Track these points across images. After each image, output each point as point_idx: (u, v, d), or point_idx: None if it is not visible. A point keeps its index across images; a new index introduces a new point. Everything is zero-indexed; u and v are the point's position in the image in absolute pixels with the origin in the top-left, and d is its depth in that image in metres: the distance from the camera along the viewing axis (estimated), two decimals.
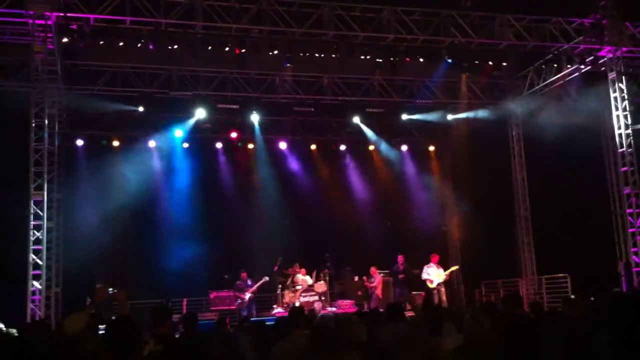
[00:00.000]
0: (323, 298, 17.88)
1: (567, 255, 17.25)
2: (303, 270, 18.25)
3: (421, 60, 16.54)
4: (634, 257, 16.25)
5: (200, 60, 16.39)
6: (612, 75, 16.83)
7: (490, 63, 16.98)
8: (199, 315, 10.06)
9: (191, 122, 19.77)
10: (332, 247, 19.08)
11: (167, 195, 19.59)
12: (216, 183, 20.82)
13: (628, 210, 16.55)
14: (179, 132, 20.06)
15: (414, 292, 18.26)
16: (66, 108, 17.61)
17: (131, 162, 19.68)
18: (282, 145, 21.73)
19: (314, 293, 17.79)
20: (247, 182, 21.06)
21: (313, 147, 22.05)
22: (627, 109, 16.62)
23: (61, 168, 17.85)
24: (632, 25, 16.69)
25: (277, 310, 17.47)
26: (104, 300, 16.09)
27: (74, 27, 13.93)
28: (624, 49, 16.67)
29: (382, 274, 18.98)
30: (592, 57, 16.85)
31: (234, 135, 20.79)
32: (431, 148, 23.47)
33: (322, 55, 15.82)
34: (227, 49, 15.17)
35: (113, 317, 6.25)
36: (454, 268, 19.66)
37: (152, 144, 20.28)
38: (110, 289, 16.24)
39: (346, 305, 17.99)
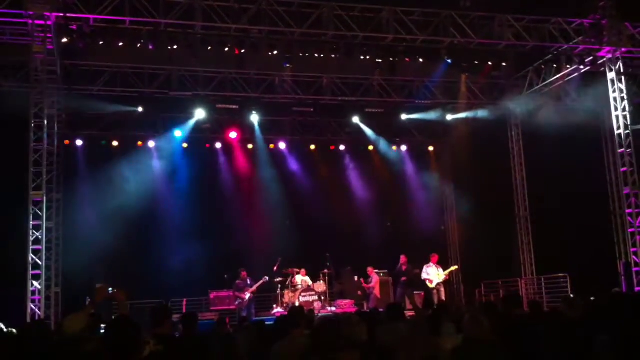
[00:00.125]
0: (323, 298, 17.88)
1: (566, 255, 17.26)
2: (303, 270, 18.25)
3: (421, 60, 16.54)
4: (633, 257, 16.26)
5: (199, 61, 16.39)
6: (611, 76, 16.84)
7: (490, 63, 16.96)
8: (199, 315, 10.06)
9: (191, 122, 19.78)
10: (332, 247, 19.08)
11: (167, 195, 19.57)
12: (215, 183, 20.83)
13: (627, 211, 16.56)
14: (178, 133, 20.06)
15: (415, 292, 18.23)
16: (65, 108, 17.61)
17: (131, 163, 19.68)
18: (282, 146, 21.74)
19: (313, 293, 17.78)
20: (247, 182, 21.07)
21: (312, 147, 22.06)
22: (627, 109, 16.63)
23: (60, 168, 17.82)
24: (631, 25, 16.69)
25: (277, 310, 17.47)
26: (103, 300, 16.06)
27: (74, 27, 13.92)
28: (624, 49, 16.67)
29: (382, 274, 19.00)
30: (591, 58, 16.85)
31: (233, 135, 20.78)
32: (430, 148, 23.50)
33: (322, 56, 15.81)
34: (226, 49, 15.16)
35: (113, 317, 6.25)
36: (453, 268, 19.69)
37: (151, 144, 20.30)
38: (110, 289, 16.21)
39: (346, 305, 17.99)
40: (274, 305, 18.15)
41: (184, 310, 16.90)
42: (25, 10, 13.41)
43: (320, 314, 15.50)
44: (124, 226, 17.97)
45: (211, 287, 18.33)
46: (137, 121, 19.72)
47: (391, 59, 16.27)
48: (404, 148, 22.99)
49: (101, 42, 14.45)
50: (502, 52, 16.82)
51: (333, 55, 15.83)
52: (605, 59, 16.90)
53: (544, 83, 18.55)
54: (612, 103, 16.82)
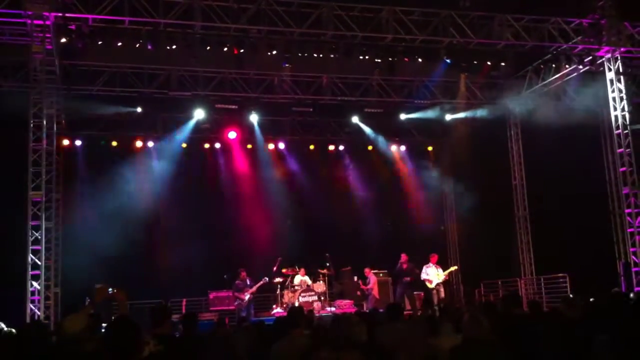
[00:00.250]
0: (322, 298, 17.87)
1: (566, 255, 17.26)
2: (302, 270, 18.24)
3: (420, 60, 16.52)
4: (632, 257, 16.27)
5: (198, 61, 16.36)
6: (610, 75, 16.84)
7: (489, 63, 16.97)
8: (198, 316, 10.05)
9: (190, 122, 19.77)
10: (331, 247, 19.08)
11: (166, 195, 19.54)
12: (214, 183, 20.84)
13: (627, 210, 16.57)
14: (178, 133, 20.06)
15: (415, 292, 18.22)
16: (64, 108, 17.58)
17: (130, 163, 19.70)
18: (281, 146, 21.73)
19: (313, 293, 17.77)
20: (246, 182, 21.06)
21: (312, 147, 22.06)
22: (626, 109, 16.63)
23: (60, 168, 17.83)
24: (630, 25, 16.69)
25: (277, 310, 17.47)
26: (103, 300, 16.07)
27: (73, 27, 13.92)
28: (623, 49, 16.67)
29: (381, 274, 19.00)
30: (590, 57, 16.86)
31: (232, 135, 20.77)
32: (430, 148, 23.50)
33: (321, 55, 15.79)
34: (225, 49, 15.14)
35: (113, 317, 6.25)
36: (453, 268, 19.68)
37: (150, 144, 20.29)
38: (110, 289, 16.23)
39: (345, 305, 17.98)
40: (274, 306, 18.15)
41: (184, 311, 16.91)
42: (24, 10, 13.39)
43: (319, 314, 15.51)
44: (124, 226, 17.96)
45: (210, 288, 18.34)
46: (137, 121, 19.71)
47: (390, 59, 16.26)
48: (403, 148, 22.99)
49: (100, 42, 14.42)
50: (501, 52, 16.81)
51: (332, 55, 15.81)
52: (604, 59, 16.91)
53: (543, 83, 18.55)
54: (611, 103, 16.83)
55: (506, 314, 7.48)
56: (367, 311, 13.60)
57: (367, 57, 16.00)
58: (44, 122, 14.28)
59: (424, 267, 17.97)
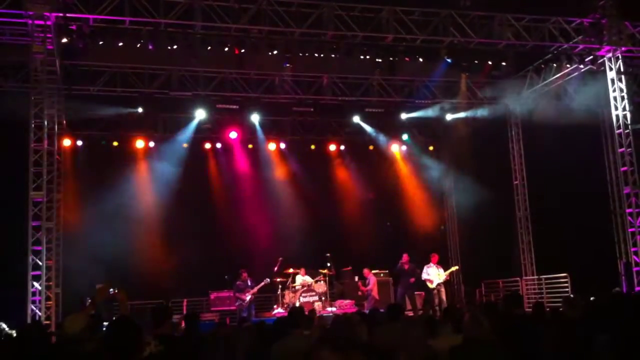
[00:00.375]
0: (323, 298, 17.86)
1: (567, 255, 17.25)
2: (302, 269, 18.24)
3: (420, 60, 16.52)
4: (634, 256, 16.25)
5: (199, 61, 16.37)
6: (611, 75, 16.82)
7: (490, 63, 16.97)
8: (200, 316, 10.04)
9: (192, 123, 19.77)
10: (332, 247, 19.08)
11: (167, 195, 19.52)
12: (215, 183, 20.84)
13: (628, 210, 16.55)
14: (179, 133, 20.08)
15: (415, 292, 18.19)
16: (65, 108, 17.59)
17: (131, 163, 19.70)
18: (282, 146, 21.73)
19: (313, 293, 17.77)
20: (247, 183, 21.07)
21: (312, 147, 22.06)
22: (627, 108, 16.61)
23: (60, 168, 17.82)
24: (631, 24, 16.69)
25: (278, 310, 17.46)
26: (104, 301, 16.07)
27: (73, 27, 13.91)
28: (623, 48, 16.66)
29: (382, 274, 18.98)
30: (591, 57, 16.85)
31: (233, 135, 20.78)
32: (431, 148, 23.48)
33: (322, 55, 15.79)
34: (226, 49, 15.14)
35: (114, 318, 6.25)
36: (454, 268, 19.66)
37: (151, 144, 20.29)
38: (111, 289, 16.21)
39: (346, 305, 17.97)
40: (275, 306, 18.15)
41: (184, 311, 16.91)
42: (24, 10, 13.40)
43: (320, 315, 15.50)
44: (125, 226, 17.97)
45: (211, 288, 18.33)
46: (137, 121, 19.72)
47: (391, 59, 16.26)
48: (404, 148, 22.99)
49: (101, 42, 14.42)
50: (502, 52, 16.82)
51: (333, 55, 15.81)
52: (605, 58, 16.89)
53: (544, 82, 18.55)
54: (612, 102, 16.81)
55: (507, 314, 7.48)
56: (367, 312, 13.59)
57: (367, 57, 15.99)
58: (45, 123, 14.27)
59: (425, 267, 17.95)
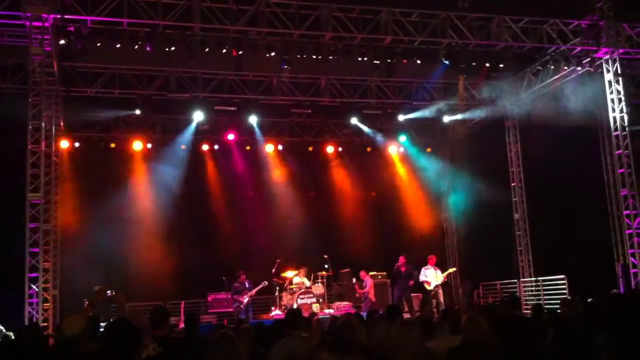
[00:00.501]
0: (321, 300, 17.86)
1: (564, 257, 17.26)
2: (301, 272, 18.23)
3: (418, 61, 16.51)
4: (631, 258, 16.27)
5: (197, 62, 16.35)
6: (609, 77, 16.84)
7: (488, 64, 16.98)
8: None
9: (189, 124, 19.76)
10: (330, 249, 19.07)
11: (165, 196, 19.51)
12: (213, 185, 20.81)
13: (625, 212, 16.56)
14: (177, 135, 20.07)
15: (412, 294, 18.19)
16: (63, 110, 17.59)
17: (128, 164, 19.68)
18: (280, 147, 21.72)
19: (311, 295, 17.75)
20: (245, 184, 21.07)
21: (310, 148, 22.06)
22: (624, 110, 16.63)
23: (58, 170, 17.80)
24: (629, 26, 16.71)
25: (275, 312, 17.45)
26: (102, 302, 16.03)
27: (71, 29, 13.91)
28: (621, 50, 16.69)
29: (380, 276, 18.98)
30: (589, 59, 16.88)
31: (231, 137, 20.77)
32: (428, 149, 23.49)
33: (320, 57, 15.76)
34: (224, 50, 15.14)
35: (111, 319, 6.25)
36: (451, 270, 19.64)
37: (149, 146, 20.27)
38: (109, 291, 16.18)
39: (344, 307, 17.94)
40: (272, 307, 18.13)
41: (182, 313, 16.89)
42: (23, 11, 13.38)
43: (317, 317, 15.48)
44: (122, 228, 17.96)
45: (209, 290, 18.32)
46: (135, 123, 19.72)
47: (389, 61, 16.26)
48: (401, 149, 23.00)
49: (99, 44, 14.39)
50: (500, 53, 16.83)
51: (331, 57, 15.80)
52: (602, 60, 16.91)
53: (542, 84, 18.57)
54: (610, 104, 16.83)
55: (505, 315, 7.48)
56: (362, 313, 13.57)
57: (365, 59, 15.98)
58: (43, 124, 14.25)
59: (423, 269, 17.94)
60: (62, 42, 14.17)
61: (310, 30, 15.30)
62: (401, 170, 22.87)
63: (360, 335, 5.59)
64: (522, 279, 19.97)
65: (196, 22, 14.55)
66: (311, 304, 17.40)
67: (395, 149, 22.88)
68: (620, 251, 17.31)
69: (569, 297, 15.17)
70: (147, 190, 19.53)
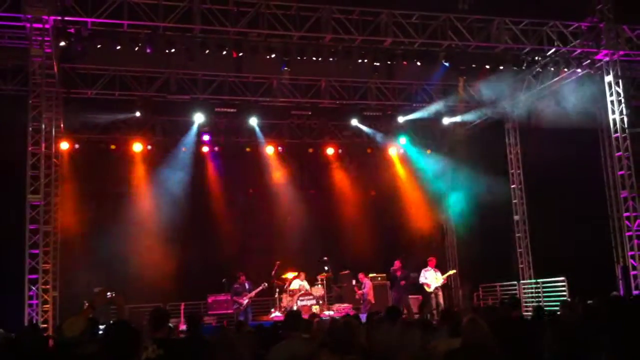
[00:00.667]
0: (320, 302, 17.85)
1: (564, 259, 17.25)
2: (301, 274, 18.22)
3: (418, 63, 16.51)
4: (631, 260, 16.27)
5: (197, 64, 16.36)
6: (609, 79, 16.85)
7: (487, 66, 16.99)
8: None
9: (189, 125, 19.76)
10: (331, 251, 19.06)
11: (165, 198, 19.49)
12: (214, 187, 20.80)
13: (625, 214, 16.57)
14: (178, 137, 20.07)
15: (412, 296, 18.17)
16: (63, 111, 17.59)
17: (128, 166, 19.67)
18: (280, 149, 21.72)
19: (311, 297, 17.75)
20: (245, 186, 21.07)
21: (310, 150, 22.04)
22: (624, 112, 16.64)
23: (58, 171, 17.79)
24: (629, 28, 16.72)
25: (275, 314, 17.45)
26: (102, 304, 16.02)
27: (72, 30, 13.93)
28: (621, 52, 16.69)
29: (379, 278, 18.96)
30: (589, 61, 16.89)
31: (231, 138, 20.76)
32: (428, 151, 23.48)
33: (320, 59, 15.78)
34: (224, 52, 15.15)
35: (111, 321, 6.25)
36: (451, 272, 19.65)
37: (149, 147, 20.27)
38: (109, 293, 16.17)
39: (344, 309, 17.93)
40: (272, 309, 18.13)
41: (182, 314, 16.89)
42: (23, 13, 13.40)
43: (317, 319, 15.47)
44: (122, 229, 17.94)
45: (209, 291, 18.31)
46: (135, 125, 19.70)
47: (389, 62, 16.26)
48: (401, 151, 22.99)
49: (99, 46, 14.41)
50: (500, 55, 16.84)
51: (331, 59, 15.81)
52: (602, 62, 16.92)
53: (542, 86, 18.57)
54: (610, 106, 16.84)
55: (505, 317, 7.48)
56: (361, 315, 13.57)
57: (365, 61, 15.99)
58: (43, 126, 14.27)
59: (422, 271, 17.91)
60: (62, 43, 14.19)
61: (310, 32, 15.32)
62: (401, 171, 22.86)
63: (360, 336, 5.58)
64: (522, 281, 19.97)
65: (196, 23, 14.56)
66: (311, 305, 17.39)
67: (395, 150, 22.87)
68: (620, 253, 17.32)
69: (569, 299, 15.17)
70: (147, 192, 19.52)
